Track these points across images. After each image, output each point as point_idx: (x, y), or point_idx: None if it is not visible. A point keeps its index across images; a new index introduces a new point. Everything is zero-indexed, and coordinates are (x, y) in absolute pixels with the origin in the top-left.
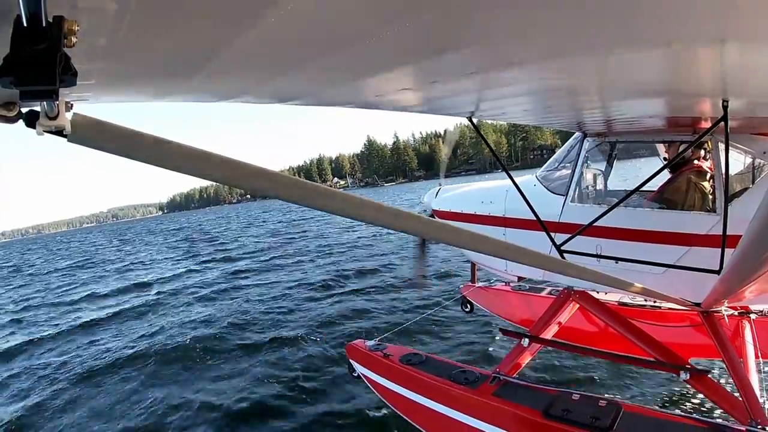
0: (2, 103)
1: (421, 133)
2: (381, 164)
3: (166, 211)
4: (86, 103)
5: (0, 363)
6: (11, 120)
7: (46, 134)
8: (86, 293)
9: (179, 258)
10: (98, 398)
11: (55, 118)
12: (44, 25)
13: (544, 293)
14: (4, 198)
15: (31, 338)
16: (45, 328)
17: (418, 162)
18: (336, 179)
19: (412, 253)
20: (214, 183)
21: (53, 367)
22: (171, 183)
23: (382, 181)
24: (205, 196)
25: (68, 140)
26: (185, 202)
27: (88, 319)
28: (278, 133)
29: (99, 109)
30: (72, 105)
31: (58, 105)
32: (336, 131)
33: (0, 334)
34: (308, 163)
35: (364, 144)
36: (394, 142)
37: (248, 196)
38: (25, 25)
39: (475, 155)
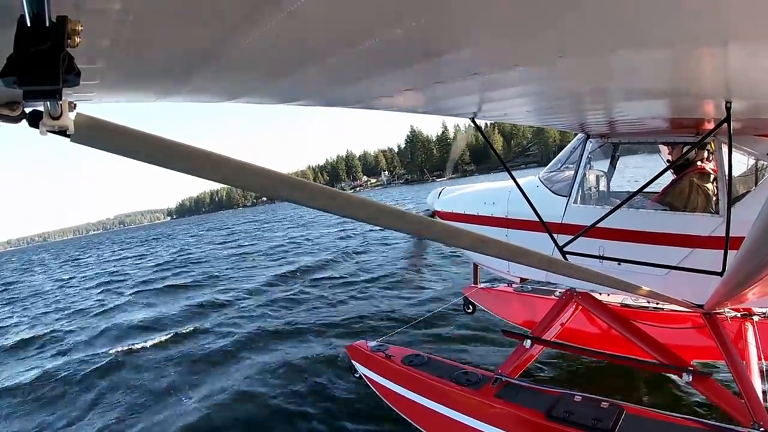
0: (5, 103)
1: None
2: (427, 158)
3: (175, 216)
4: (89, 103)
5: None
6: (15, 120)
7: (49, 134)
8: None
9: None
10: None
11: (58, 118)
12: (48, 25)
13: (546, 294)
14: (10, 206)
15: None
16: None
17: (470, 154)
18: (365, 177)
19: (409, 247)
20: (226, 185)
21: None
22: (179, 188)
23: (432, 176)
24: (216, 199)
25: (71, 140)
26: (196, 207)
27: None
28: (303, 131)
29: (102, 109)
30: (75, 105)
31: (61, 105)
32: (369, 126)
33: None
34: (334, 160)
35: (407, 136)
36: (443, 133)
37: (263, 198)
38: (28, 24)
39: (534, 144)
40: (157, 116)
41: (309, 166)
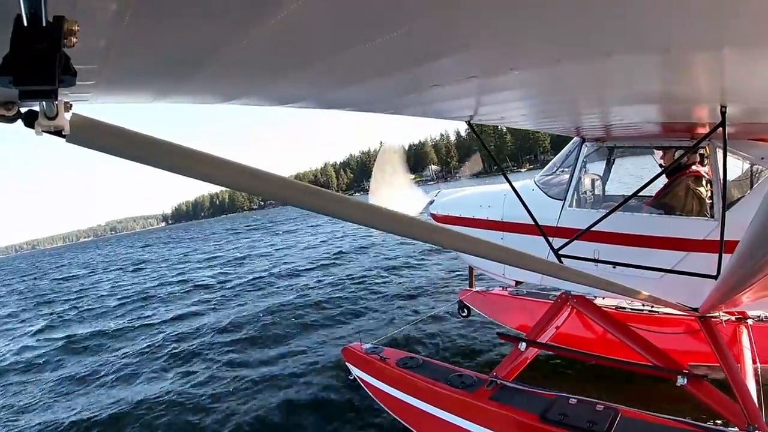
0: (1, 103)
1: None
2: (502, 147)
3: (170, 221)
4: (86, 104)
5: None
6: (10, 120)
7: (44, 135)
8: None
9: None
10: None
11: (54, 118)
12: (44, 24)
13: (541, 298)
14: None
15: None
16: None
17: (551, 142)
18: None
19: None
20: (227, 188)
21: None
22: (174, 192)
23: (512, 165)
24: (217, 202)
25: (66, 140)
26: (193, 211)
27: None
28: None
29: (99, 110)
30: (71, 105)
31: (57, 105)
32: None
33: None
34: (362, 154)
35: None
36: None
37: (272, 201)
38: (25, 24)
39: None
40: (155, 114)
41: (327, 163)
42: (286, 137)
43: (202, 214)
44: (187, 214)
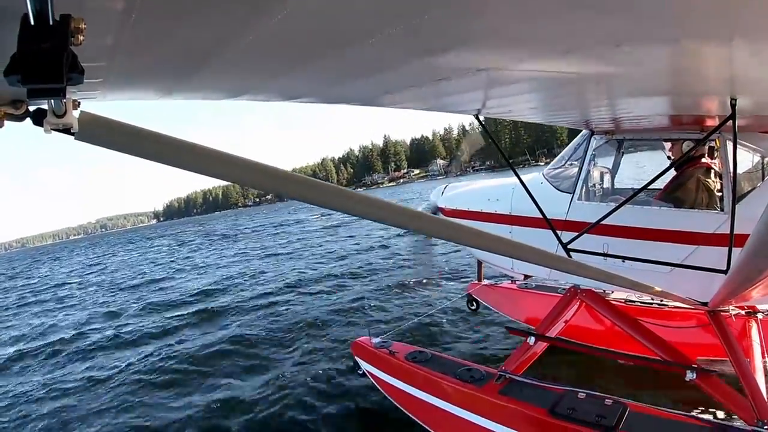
0: (10, 101)
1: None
2: (516, 139)
3: (162, 219)
4: (93, 101)
5: None
6: (19, 118)
7: (53, 132)
8: None
9: None
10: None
11: (62, 116)
12: (51, 23)
13: (550, 291)
14: None
15: None
16: None
17: (568, 135)
18: (408, 169)
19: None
20: (221, 184)
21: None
22: (164, 190)
23: (528, 158)
24: (210, 198)
25: (75, 138)
26: (186, 208)
27: None
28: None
29: (106, 107)
30: (79, 103)
31: (65, 103)
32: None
33: None
34: (364, 148)
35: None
36: None
37: (268, 197)
38: (32, 23)
39: None
40: (156, 109)
41: (325, 158)
42: (281, 130)
43: (194, 210)
44: (179, 211)
